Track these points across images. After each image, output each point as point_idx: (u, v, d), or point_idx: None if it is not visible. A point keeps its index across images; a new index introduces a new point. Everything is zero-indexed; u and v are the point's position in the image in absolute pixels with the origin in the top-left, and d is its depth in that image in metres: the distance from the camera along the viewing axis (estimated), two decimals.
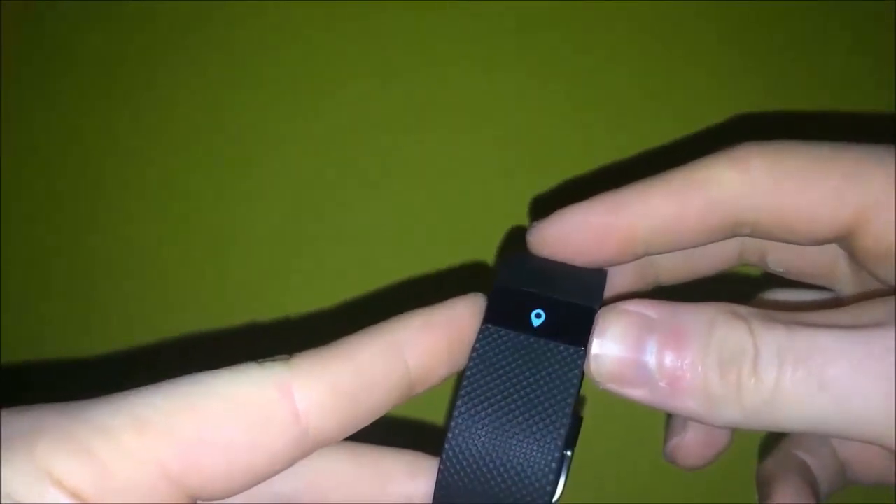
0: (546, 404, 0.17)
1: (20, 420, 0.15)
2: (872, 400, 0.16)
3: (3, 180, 0.36)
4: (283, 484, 0.18)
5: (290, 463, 0.17)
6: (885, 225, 0.18)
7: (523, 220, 0.34)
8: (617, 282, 0.21)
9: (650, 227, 0.19)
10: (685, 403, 0.17)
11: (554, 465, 0.17)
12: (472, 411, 0.18)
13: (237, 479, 0.16)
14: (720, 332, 0.17)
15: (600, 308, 0.18)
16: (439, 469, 0.18)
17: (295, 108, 0.36)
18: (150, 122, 0.36)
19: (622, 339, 0.17)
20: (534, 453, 0.17)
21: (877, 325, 0.17)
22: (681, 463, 0.23)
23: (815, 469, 0.22)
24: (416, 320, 0.18)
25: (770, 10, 0.35)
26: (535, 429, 0.17)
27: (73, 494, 0.15)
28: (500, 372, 0.18)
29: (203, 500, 0.16)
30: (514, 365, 0.18)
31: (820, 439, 0.23)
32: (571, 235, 0.20)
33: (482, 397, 0.18)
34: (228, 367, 0.17)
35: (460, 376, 0.18)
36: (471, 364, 0.18)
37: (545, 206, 0.31)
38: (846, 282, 0.22)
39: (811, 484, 0.22)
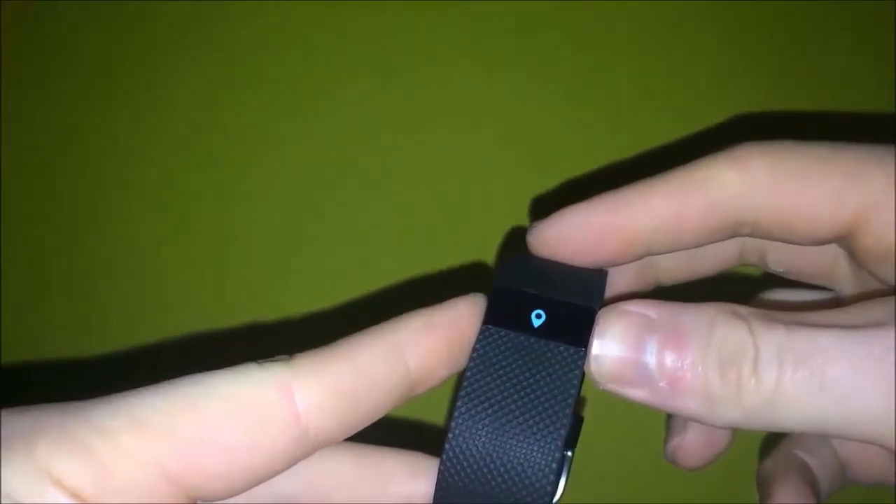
0: (546, 405, 0.17)
1: (20, 420, 0.15)
2: (872, 400, 0.16)
3: (3, 180, 0.36)
4: (283, 484, 0.18)
5: (291, 463, 0.17)
6: (885, 225, 0.18)
7: (523, 220, 0.34)
8: (617, 282, 0.21)
9: (650, 227, 0.19)
10: (685, 404, 0.17)
11: (554, 465, 0.17)
12: (473, 412, 0.18)
13: (237, 479, 0.16)
14: (720, 332, 0.17)
15: (600, 308, 0.18)
16: (440, 469, 0.18)
17: (295, 108, 0.36)
18: (150, 122, 0.36)
19: (622, 340, 0.17)
20: (534, 454, 0.17)
21: (877, 325, 0.17)
22: (681, 463, 0.23)
23: (815, 469, 0.22)
24: (416, 321, 0.18)
25: (770, 10, 0.35)
26: (535, 429, 0.17)
27: (73, 494, 0.15)
28: (501, 372, 0.18)
29: (203, 501, 0.16)
30: (514, 365, 0.18)
31: (820, 439, 0.23)
32: (571, 236, 0.20)
33: (482, 398, 0.18)
34: (228, 368, 0.17)
35: (460, 377, 0.18)
36: (471, 364, 0.18)
37: (545, 206, 0.31)
38: (846, 282, 0.22)
39: (811, 484, 0.22)
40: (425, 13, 0.36)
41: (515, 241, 0.33)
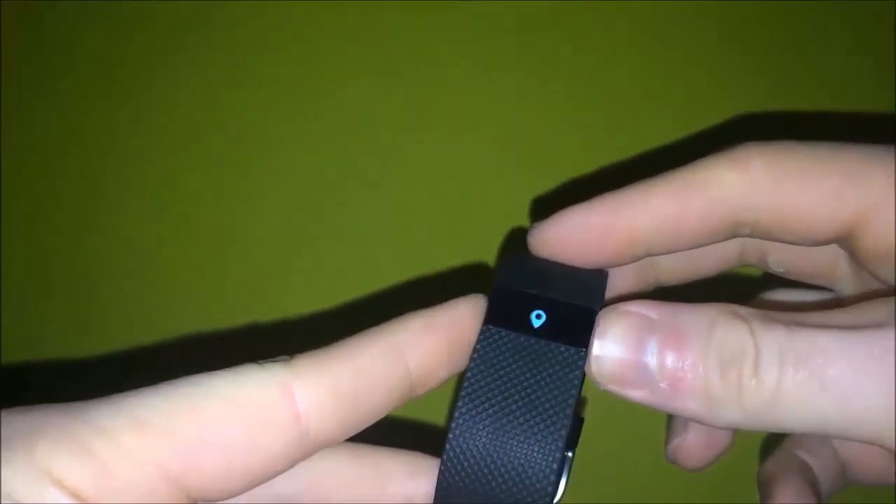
0: (547, 405, 0.17)
1: (20, 420, 0.15)
2: (873, 400, 0.16)
3: (3, 180, 0.36)
4: (283, 484, 0.18)
5: (291, 464, 0.17)
6: (885, 225, 0.18)
7: (524, 221, 0.34)
8: (617, 283, 0.21)
9: (650, 227, 0.19)
10: (686, 404, 0.17)
11: (555, 465, 0.17)
12: (473, 412, 0.18)
13: (237, 479, 0.16)
14: (721, 332, 0.17)
15: (601, 309, 0.18)
16: (440, 469, 0.18)
17: (295, 108, 0.36)
18: (150, 122, 0.36)
19: (623, 340, 0.17)
20: (535, 454, 0.17)
21: (877, 325, 0.17)
22: (682, 464, 0.23)
23: (816, 469, 0.22)
24: (416, 321, 0.18)
25: (770, 10, 0.35)
26: (535, 430, 0.17)
27: (73, 494, 0.15)
28: (501, 373, 0.18)
29: (203, 501, 0.16)
30: (514, 366, 0.18)
31: (821, 440, 0.23)
32: (572, 236, 0.20)
33: (483, 398, 0.18)
34: (229, 368, 0.17)
35: (461, 377, 0.18)
36: (471, 365, 0.18)
37: (546, 206, 0.31)
38: (846, 282, 0.22)
39: (812, 484, 0.22)
40: (425, 13, 0.36)
41: (516, 241, 0.33)
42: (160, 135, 0.36)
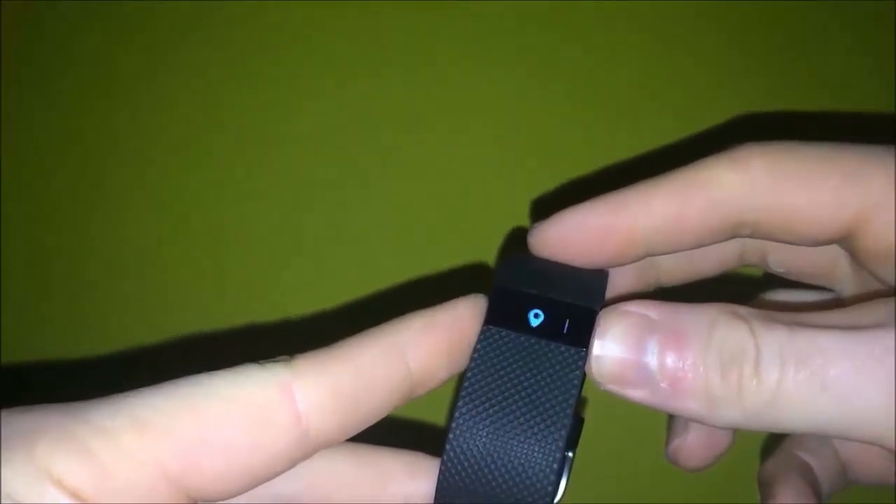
0: (547, 405, 0.17)
1: (20, 420, 0.15)
2: (873, 400, 0.16)
3: (3, 180, 0.36)
4: (283, 485, 0.18)
5: (291, 464, 0.17)
6: (885, 225, 0.18)
7: (524, 221, 0.34)
8: (618, 283, 0.21)
9: (651, 228, 0.19)
10: (686, 404, 0.17)
11: (555, 465, 0.17)
12: (474, 412, 0.18)
13: (237, 480, 0.16)
14: (721, 332, 0.17)
15: (601, 309, 0.18)
16: (440, 469, 0.18)
17: (295, 108, 0.36)
18: (149, 122, 0.36)
19: (623, 340, 0.17)
20: (535, 454, 0.17)
21: (878, 325, 0.17)
22: (683, 464, 0.23)
23: (816, 469, 0.22)
24: (417, 322, 0.18)
25: (770, 10, 0.35)
26: (536, 430, 0.17)
27: (73, 494, 0.15)
28: (502, 373, 0.18)
29: (203, 501, 0.16)
30: (515, 366, 0.18)
31: (821, 440, 0.23)
32: (572, 236, 0.20)
33: (483, 398, 0.18)
34: (229, 368, 0.17)
35: (461, 377, 0.18)
36: (472, 365, 0.18)
37: (546, 207, 0.31)
38: (847, 282, 0.22)
39: (813, 484, 0.22)
40: (425, 13, 0.36)
41: (516, 241, 0.33)
42: (160, 135, 0.36)
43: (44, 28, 0.37)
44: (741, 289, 0.22)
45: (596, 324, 0.18)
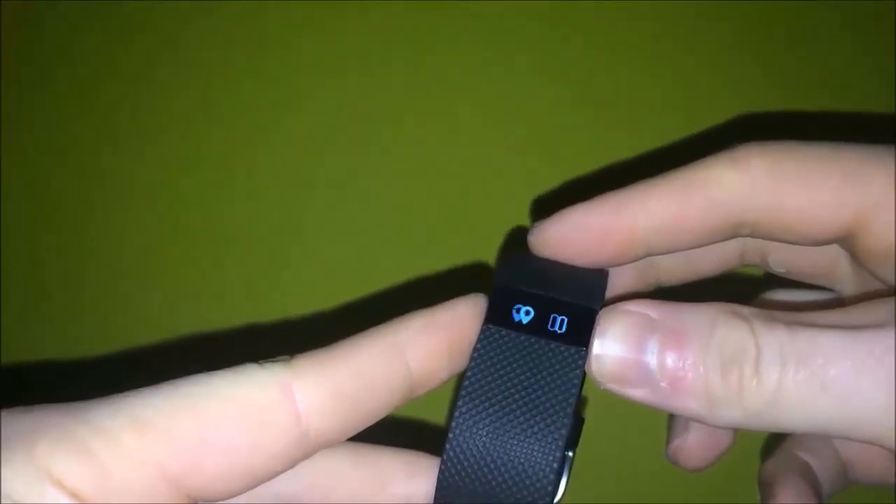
0: (547, 405, 0.17)
1: (20, 420, 0.15)
2: (873, 400, 0.16)
3: (3, 180, 0.36)
4: (283, 484, 0.18)
5: (291, 464, 0.17)
6: (885, 225, 0.18)
7: (524, 220, 0.34)
8: (618, 282, 0.21)
9: (651, 227, 0.19)
10: (686, 404, 0.17)
11: (555, 465, 0.17)
12: (473, 411, 0.18)
13: (237, 480, 0.16)
14: (721, 332, 0.17)
15: (601, 308, 0.18)
16: (440, 469, 0.18)
17: (295, 107, 0.36)
18: (149, 122, 0.36)
19: (623, 340, 0.17)
20: (535, 454, 0.17)
21: (878, 325, 0.17)
22: (683, 464, 0.23)
23: (816, 469, 0.22)
24: (417, 321, 0.18)
25: (770, 10, 0.35)
26: (536, 429, 0.17)
27: (73, 494, 0.15)
28: (502, 372, 0.18)
29: (203, 501, 0.16)
30: (515, 365, 0.18)
31: (822, 440, 0.23)
32: (572, 236, 0.20)
33: (483, 397, 0.18)
34: (229, 368, 0.17)
35: (461, 376, 0.18)
36: (472, 364, 0.18)
37: (546, 206, 0.31)
38: (847, 282, 0.22)
39: (813, 484, 0.22)
40: (425, 13, 0.36)
41: (516, 241, 0.33)
42: (159, 134, 0.36)
43: (44, 28, 0.37)
44: (741, 289, 0.22)
45: (596, 323, 0.18)
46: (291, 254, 0.35)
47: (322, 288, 0.34)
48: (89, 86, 0.36)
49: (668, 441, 0.23)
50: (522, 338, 0.18)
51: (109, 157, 0.36)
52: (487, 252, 0.34)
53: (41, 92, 0.37)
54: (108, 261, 0.35)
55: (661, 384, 0.17)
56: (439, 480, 0.18)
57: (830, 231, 0.19)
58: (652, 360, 0.17)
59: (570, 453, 0.18)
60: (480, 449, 0.17)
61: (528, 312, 0.18)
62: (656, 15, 0.36)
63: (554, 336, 0.18)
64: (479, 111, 0.35)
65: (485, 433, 0.17)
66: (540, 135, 0.35)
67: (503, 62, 0.36)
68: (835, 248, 0.21)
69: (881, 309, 0.17)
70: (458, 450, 0.17)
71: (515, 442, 0.17)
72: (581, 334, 0.18)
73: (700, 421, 0.17)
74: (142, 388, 0.16)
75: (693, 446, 0.23)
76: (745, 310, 0.17)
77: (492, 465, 0.17)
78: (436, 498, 0.18)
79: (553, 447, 0.17)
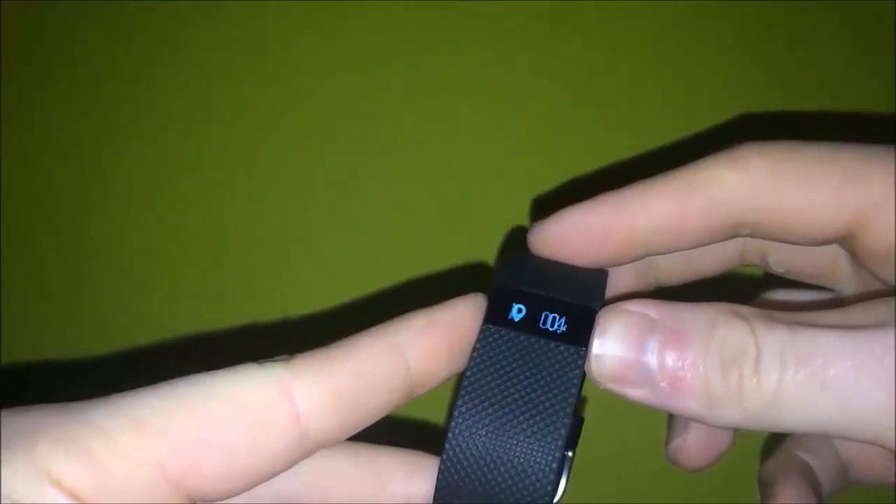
0: (547, 404, 0.17)
1: (19, 420, 0.15)
2: (874, 400, 0.16)
3: (3, 180, 0.36)
4: (282, 484, 0.18)
5: (291, 464, 0.17)
6: (885, 225, 0.18)
7: (524, 220, 0.34)
8: (617, 282, 0.21)
9: (651, 227, 0.19)
10: (686, 404, 0.17)
11: (554, 465, 0.17)
12: (473, 411, 0.18)
13: (236, 480, 0.16)
14: (721, 332, 0.17)
15: (601, 308, 0.18)
16: (440, 469, 0.18)
17: (295, 107, 0.36)
18: (149, 122, 0.36)
19: (623, 339, 0.17)
20: (534, 453, 0.17)
21: (878, 325, 0.17)
22: (683, 464, 0.23)
23: (816, 469, 0.22)
24: (417, 321, 0.18)
25: (770, 10, 0.35)
26: (535, 429, 0.17)
27: (72, 495, 0.15)
28: (501, 372, 0.18)
29: (202, 501, 0.16)
30: (514, 365, 0.18)
31: (822, 440, 0.23)
32: (572, 236, 0.20)
33: (483, 397, 0.18)
34: (228, 368, 0.17)
35: (461, 376, 0.18)
36: (471, 364, 0.18)
37: (546, 206, 0.31)
38: (847, 282, 0.22)
39: (813, 484, 0.22)
40: (425, 13, 0.36)
41: (516, 240, 0.33)
42: (160, 135, 0.36)
43: (44, 28, 0.37)
44: (741, 289, 0.22)
45: (595, 323, 0.18)
46: (291, 254, 0.35)
47: (322, 288, 0.34)
48: (89, 86, 0.36)
49: (668, 441, 0.23)
50: (522, 337, 0.18)
51: (109, 157, 0.36)
52: (487, 252, 0.34)
53: (41, 92, 0.37)
54: (108, 261, 0.35)
55: (661, 384, 0.17)
56: (439, 480, 0.18)
57: (830, 231, 0.19)
58: (652, 359, 0.17)
59: (570, 453, 0.18)
60: (480, 449, 0.17)
61: (527, 312, 0.18)
62: (656, 15, 0.36)
63: (553, 336, 0.18)
64: (479, 111, 0.35)
65: (484, 433, 0.17)
66: (540, 135, 0.35)
67: (503, 62, 0.36)
68: (835, 248, 0.21)
69: (881, 309, 0.17)
70: (457, 449, 0.17)
71: (515, 442, 0.17)
72: (580, 334, 0.18)
73: (700, 421, 0.17)
74: (141, 388, 0.16)
75: (693, 446, 0.22)
76: (745, 310, 0.17)
77: (491, 465, 0.17)
78: (435, 498, 0.18)
79: (552, 447, 0.17)
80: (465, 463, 0.17)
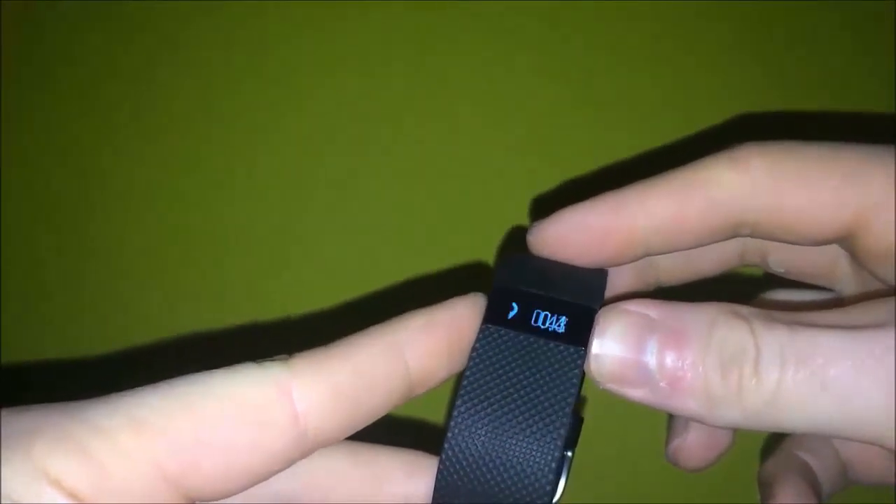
0: (546, 404, 0.17)
1: (18, 420, 0.15)
2: (874, 400, 0.16)
3: (3, 180, 0.36)
4: (281, 483, 0.18)
5: (289, 464, 0.17)
6: (885, 225, 0.18)
7: (524, 220, 0.34)
8: (617, 282, 0.21)
9: (650, 227, 0.19)
10: (686, 404, 0.17)
11: (554, 465, 0.17)
12: (472, 411, 0.18)
13: (235, 479, 0.16)
14: (721, 331, 0.17)
15: (600, 308, 0.18)
16: (439, 469, 0.18)
17: (294, 107, 0.36)
18: (149, 122, 0.36)
19: (622, 339, 0.17)
20: (533, 453, 0.17)
21: (878, 325, 0.16)
22: (683, 464, 0.23)
23: (816, 469, 0.22)
24: (416, 321, 0.18)
25: (770, 10, 0.35)
26: (534, 429, 0.17)
27: (71, 494, 0.15)
28: (500, 372, 0.18)
29: (201, 501, 0.16)
30: (513, 365, 0.18)
31: (822, 440, 0.23)
32: (572, 236, 0.20)
33: (482, 397, 0.18)
34: (227, 367, 0.17)
35: (460, 376, 0.18)
36: (471, 364, 0.18)
37: (545, 206, 0.31)
38: (847, 282, 0.22)
39: (813, 484, 0.22)
40: (425, 13, 0.36)
41: (516, 240, 0.33)
42: (159, 134, 0.36)
43: (44, 28, 0.37)
44: (741, 289, 0.22)
45: (595, 323, 0.18)
46: (291, 253, 0.35)
47: (321, 287, 0.34)
48: (89, 86, 0.36)
49: (668, 441, 0.23)
50: (521, 337, 0.18)
51: (109, 157, 0.36)
52: (487, 252, 0.34)
53: (41, 92, 0.37)
54: (108, 261, 0.35)
55: (661, 384, 0.17)
56: (438, 480, 0.18)
57: (830, 231, 0.19)
58: (651, 359, 0.17)
59: (570, 453, 0.18)
60: (479, 448, 0.17)
61: (527, 312, 0.18)
62: (656, 15, 0.36)
63: (553, 336, 0.18)
64: (479, 111, 0.35)
65: (483, 433, 0.17)
66: (539, 135, 0.35)
67: (503, 62, 0.36)
68: (835, 248, 0.21)
69: (881, 309, 0.17)
70: (456, 449, 0.17)
71: (514, 441, 0.17)
72: (580, 334, 0.18)
73: (699, 421, 0.17)
74: (140, 388, 0.16)
75: (693, 446, 0.22)
76: (745, 310, 0.17)
77: (490, 465, 0.17)
78: (434, 497, 0.18)
79: (552, 447, 0.17)
80: (464, 463, 0.17)
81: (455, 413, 0.18)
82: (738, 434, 0.23)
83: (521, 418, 0.17)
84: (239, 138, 0.36)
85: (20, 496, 0.14)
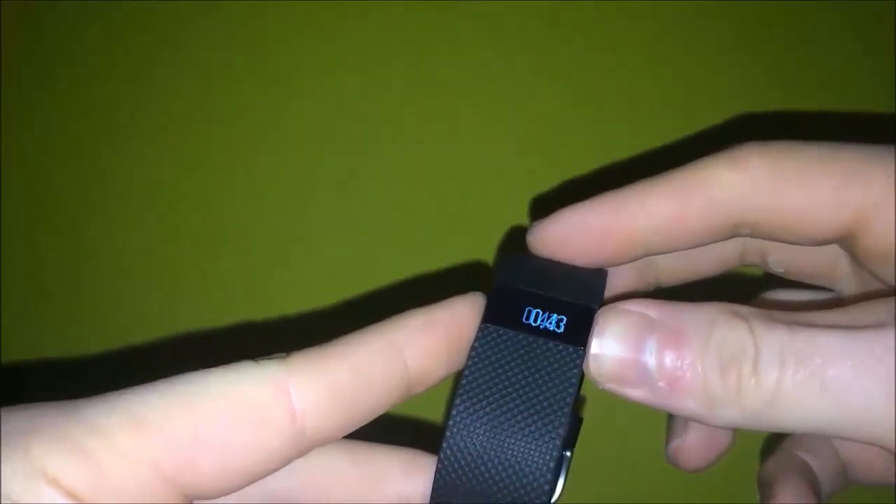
0: (545, 404, 0.17)
1: (16, 419, 0.15)
2: (873, 400, 0.16)
3: (3, 180, 0.36)
4: (278, 482, 0.18)
5: (286, 462, 0.17)
6: (885, 225, 0.18)
7: (523, 219, 0.34)
8: (617, 282, 0.21)
9: (650, 227, 0.19)
10: (685, 404, 0.17)
11: (552, 464, 0.17)
12: (471, 410, 0.18)
13: (232, 478, 0.16)
14: (720, 331, 0.17)
15: (600, 308, 0.18)
16: (437, 468, 0.18)
17: (295, 108, 0.36)
18: (148, 122, 0.36)
19: (622, 339, 0.17)
20: (532, 453, 0.17)
21: (878, 325, 0.16)
22: (682, 465, 0.23)
23: (816, 469, 0.22)
24: (415, 320, 0.18)
25: (770, 10, 0.35)
26: (533, 428, 0.17)
27: (69, 494, 0.15)
28: (499, 371, 0.18)
29: (198, 499, 0.16)
30: (512, 364, 0.18)
31: (822, 440, 0.23)
32: (571, 235, 0.20)
33: (481, 396, 0.18)
34: (224, 366, 0.17)
35: (459, 375, 0.18)
36: (469, 363, 0.18)
37: (545, 205, 0.31)
38: (847, 282, 0.22)
39: (813, 484, 0.22)
40: (425, 13, 0.36)
41: (515, 240, 0.33)
42: (158, 134, 0.36)
43: (44, 28, 0.37)
44: (741, 289, 0.22)
45: (594, 322, 0.18)
46: (290, 253, 0.35)
47: (320, 286, 0.34)
48: (89, 86, 0.36)
49: (668, 441, 0.23)
50: (520, 337, 0.18)
51: (109, 157, 0.36)
52: (486, 251, 0.34)
53: (41, 92, 0.37)
54: (108, 261, 0.35)
55: (660, 384, 0.17)
56: (436, 479, 0.18)
57: (830, 231, 0.19)
58: (650, 359, 0.17)
59: (568, 453, 0.18)
60: (478, 448, 0.17)
61: (526, 312, 0.18)
62: (656, 15, 0.36)
63: (552, 335, 0.18)
64: (479, 111, 0.35)
65: (482, 432, 0.17)
66: (539, 135, 0.35)
67: (503, 62, 0.36)
68: (835, 248, 0.21)
69: (881, 309, 0.17)
70: (455, 448, 0.17)
71: (513, 441, 0.17)
72: (579, 334, 0.18)
73: (699, 421, 0.17)
74: (137, 387, 0.16)
75: (692, 446, 0.22)
76: (745, 310, 0.17)
77: (489, 464, 0.17)
78: (432, 497, 0.18)
79: (550, 446, 0.17)
80: (462, 462, 0.17)
81: (454, 412, 0.18)
82: (738, 434, 0.23)
83: (519, 418, 0.17)
84: (238, 138, 0.36)
85: (18, 495, 0.14)
